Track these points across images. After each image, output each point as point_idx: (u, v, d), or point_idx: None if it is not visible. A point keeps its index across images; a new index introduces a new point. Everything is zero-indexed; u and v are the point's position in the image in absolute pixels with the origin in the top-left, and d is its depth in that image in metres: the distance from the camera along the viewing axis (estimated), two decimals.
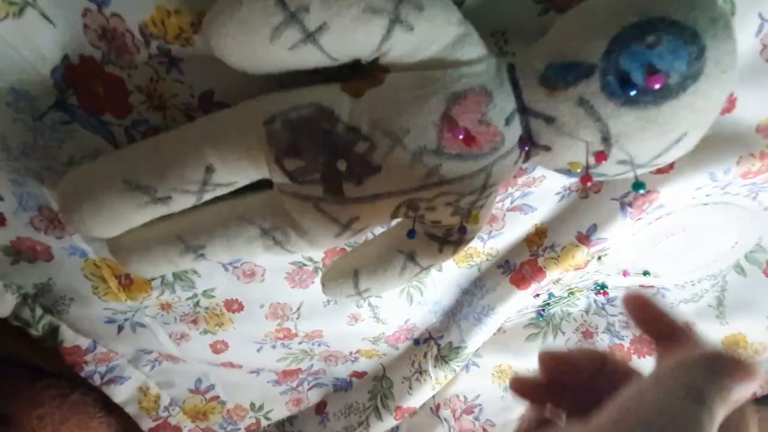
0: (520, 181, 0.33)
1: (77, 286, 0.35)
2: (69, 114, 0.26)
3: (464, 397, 0.47)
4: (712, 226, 0.38)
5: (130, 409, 0.42)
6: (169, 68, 0.24)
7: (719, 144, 0.30)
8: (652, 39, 0.18)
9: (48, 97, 0.25)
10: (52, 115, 0.26)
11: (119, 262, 0.29)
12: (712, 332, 0.45)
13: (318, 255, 0.35)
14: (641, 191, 0.30)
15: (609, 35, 0.18)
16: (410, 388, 0.44)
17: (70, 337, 0.38)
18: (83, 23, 0.23)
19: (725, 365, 0.15)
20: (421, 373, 0.43)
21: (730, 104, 0.30)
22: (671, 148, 0.21)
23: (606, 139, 0.20)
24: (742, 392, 0.14)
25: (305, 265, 0.36)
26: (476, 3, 0.23)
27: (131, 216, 0.25)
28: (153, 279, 0.35)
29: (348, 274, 0.31)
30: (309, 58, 0.20)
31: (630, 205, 0.33)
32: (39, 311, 0.36)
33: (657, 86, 0.18)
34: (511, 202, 0.35)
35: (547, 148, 0.22)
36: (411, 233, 0.25)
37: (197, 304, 0.38)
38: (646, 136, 0.20)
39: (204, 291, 0.37)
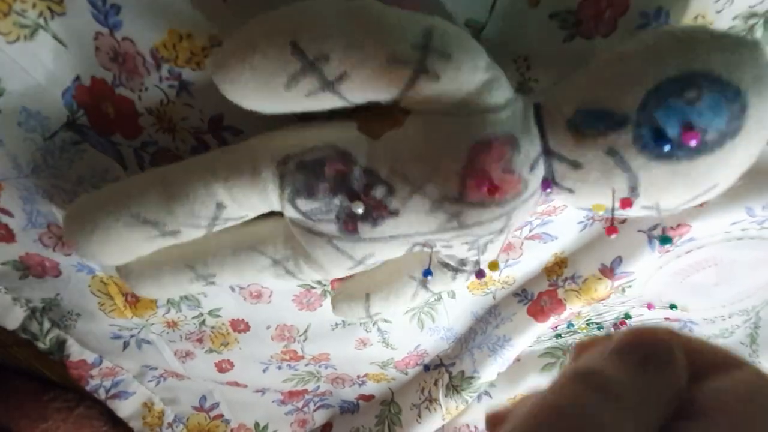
0: (540, 209, 0.31)
1: (84, 302, 0.35)
2: (79, 134, 0.26)
3: (475, 427, 0.45)
4: (747, 261, 0.35)
5: (135, 425, 0.42)
6: (180, 91, 0.23)
7: (758, 178, 0.28)
8: (692, 95, 0.16)
9: (59, 117, 0.25)
10: (62, 135, 0.26)
11: (129, 286, 0.28)
12: None
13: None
14: (668, 245, 0.28)
15: (646, 87, 0.17)
16: (419, 416, 0.42)
17: (76, 351, 0.37)
18: (95, 46, 0.22)
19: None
20: (431, 401, 0.42)
21: None
22: (699, 197, 0.20)
23: (634, 189, 0.19)
24: None
25: (313, 288, 0.35)
26: (498, 29, 0.22)
27: (139, 247, 0.24)
28: None
29: (359, 298, 0.30)
30: (326, 103, 0.19)
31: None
32: (47, 325, 0.36)
33: (693, 143, 0.17)
34: (530, 230, 0.33)
35: (571, 191, 0.20)
36: (427, 272, 0.24)
37: (203, 323, 0.37)
38: (676, 187, 0.19)
39: (210, 310, 0.36)
